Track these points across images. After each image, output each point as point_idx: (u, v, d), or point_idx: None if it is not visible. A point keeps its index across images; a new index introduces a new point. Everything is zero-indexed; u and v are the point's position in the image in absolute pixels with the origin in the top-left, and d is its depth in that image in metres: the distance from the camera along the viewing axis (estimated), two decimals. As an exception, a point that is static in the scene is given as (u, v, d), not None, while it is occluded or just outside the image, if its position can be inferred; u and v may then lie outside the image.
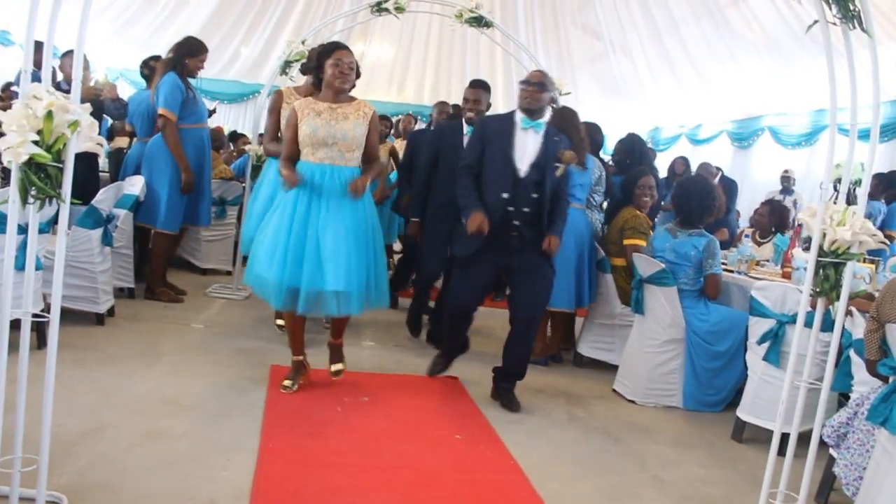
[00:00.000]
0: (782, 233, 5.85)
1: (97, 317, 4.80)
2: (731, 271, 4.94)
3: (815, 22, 2.58)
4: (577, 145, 4.73)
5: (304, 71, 5.42)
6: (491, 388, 4.29)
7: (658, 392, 4.52)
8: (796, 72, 9.46)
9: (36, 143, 2.03)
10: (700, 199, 4.54)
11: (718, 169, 9.44)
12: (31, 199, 2.14)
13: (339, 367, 4.20)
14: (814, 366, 3.03)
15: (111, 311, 5.01)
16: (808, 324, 2.80)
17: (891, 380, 2.76)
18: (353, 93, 4.04)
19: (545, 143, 4.05)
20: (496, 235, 3.98)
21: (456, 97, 9.72)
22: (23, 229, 3.88)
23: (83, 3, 2.17)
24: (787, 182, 9.54)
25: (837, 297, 2.62)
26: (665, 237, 4.65)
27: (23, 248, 3.92)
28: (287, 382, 4.00)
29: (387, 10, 6.04)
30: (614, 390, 4.71)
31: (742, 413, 4.07)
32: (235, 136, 10.23)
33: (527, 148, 4.04)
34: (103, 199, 4.75)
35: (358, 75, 4.10)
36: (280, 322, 5.06)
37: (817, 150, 10.11)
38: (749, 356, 4.14)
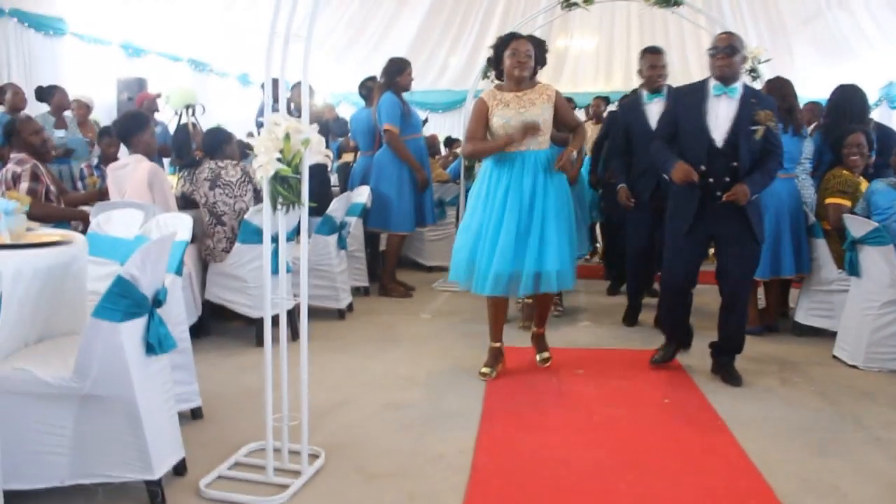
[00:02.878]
0: None
1: (339, 312, 5.47)
2: None
3: None
4: (789, 114, 4.82)
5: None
6: (711, 363, 4.26)
7: (882, 356, 4.38)
8: None
9: (279, 160, 2.54)
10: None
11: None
12: (279, 206, 2.65)
13: (546, 354, 4.41)
14: None
15: (350, 307, 5.67)
16: None
17: None
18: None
19: (740, 109, 3.88)
20: (699, 207, 3.93)
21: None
22: (272, 238, 4.59)
23: (305, 42, 2.65)
24: None
25: None
26: (889, 193, 4.49)
27: (273, 255, 4.64)
28: (486, 370, 4.14)
29: (576, 4, 6.25)
30: (834, 356, 4.60)
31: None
32: (450, 142, 10.84)
33: (720, 116, 3.91)
34: (336, 208, 5.39)
35: (543, 63, 4.22)
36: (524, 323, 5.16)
37: None
38: None
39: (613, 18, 13.15)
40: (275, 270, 4.61)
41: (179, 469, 2.81)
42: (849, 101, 5.42)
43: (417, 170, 6.12)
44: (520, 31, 7.27)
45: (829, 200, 4.87)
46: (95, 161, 6.51)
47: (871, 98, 11.57)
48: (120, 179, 4.49)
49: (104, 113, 8.22)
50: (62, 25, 8.30)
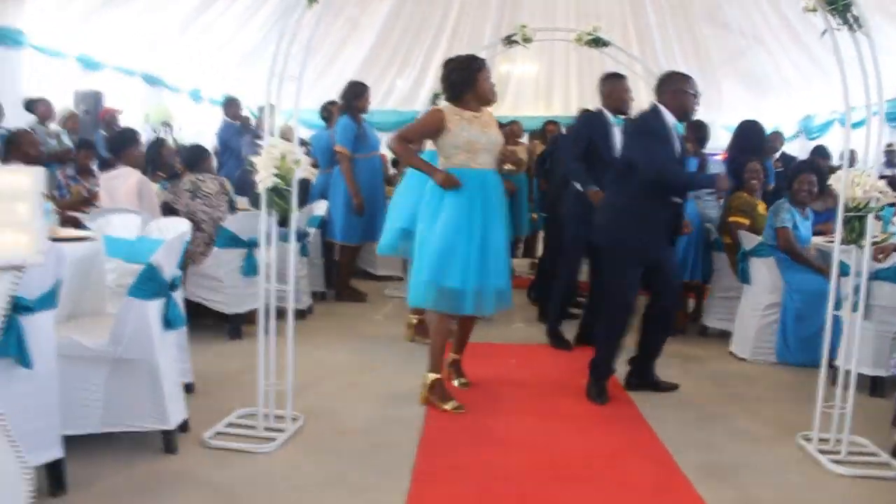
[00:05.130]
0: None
1: (301, 312, 6.05)
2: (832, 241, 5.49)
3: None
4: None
5: None
6: (630, 378, 4.47)
7: (765, 350, 5.20)
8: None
9: (275, 175, 3.19)
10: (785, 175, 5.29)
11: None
12: (271, 213, 3.30)
13: (464, 380, 4.42)
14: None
15: (310, 309, 6.29)
16: (881, 276, 4.06)
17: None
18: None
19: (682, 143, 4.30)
20: (663, 231, 4.22)
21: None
22: (245, 243, 5.16)
23: (297, 82, 3.31)
24: (891, 156, 9.90)
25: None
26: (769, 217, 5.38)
27: (247, 259, 5.23)
28: (452, 405, 3.95)
29: (516, 41, 6.97)
30: (730, 352, 5.40)
31: (837, 361, 4.69)
32: (398, 162, 11.45)
33: (676, 151, 4.20)
34: (297, 218, 5.99)
35: None
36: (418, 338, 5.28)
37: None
38: (842, 311, 4.75)
39: (553, 47, 13.98)
40: (250, 272, 5.23)
41: (184, 427, 3.41)
42: (748, 135, 6.31)
43: (355, 194, 6.47)
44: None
45: (731, 219, 5.69)
46: (71, 171, 6.99)
47: (791, 130, 12.70)
48: (112, 188, 5.05)
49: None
50: (21, 38, 8.31)
